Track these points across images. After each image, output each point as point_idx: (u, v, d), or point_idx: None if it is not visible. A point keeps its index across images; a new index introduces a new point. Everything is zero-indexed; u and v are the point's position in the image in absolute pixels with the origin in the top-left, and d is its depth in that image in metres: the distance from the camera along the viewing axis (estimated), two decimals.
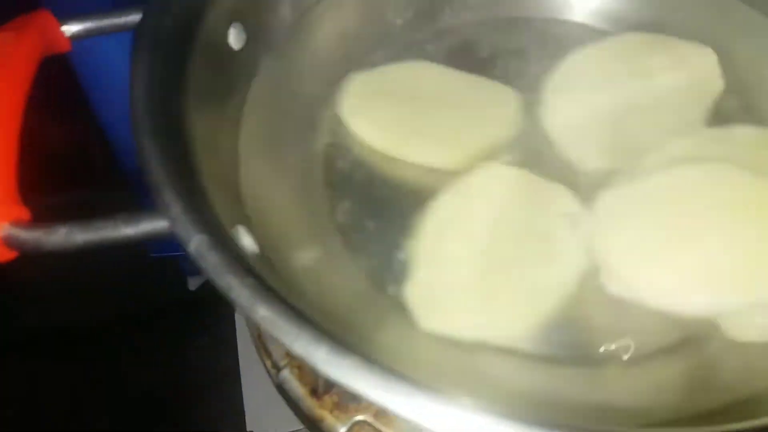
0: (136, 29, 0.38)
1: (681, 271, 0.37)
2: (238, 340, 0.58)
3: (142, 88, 0.36)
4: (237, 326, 0.59)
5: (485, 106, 0.46)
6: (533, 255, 0.39)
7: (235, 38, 0.44)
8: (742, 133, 0.42)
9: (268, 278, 0.34)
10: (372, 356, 0.27)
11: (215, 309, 0.56)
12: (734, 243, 0.37)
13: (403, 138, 0.45)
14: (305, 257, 0.41)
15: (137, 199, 0.35)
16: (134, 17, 0.41)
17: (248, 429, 0.53)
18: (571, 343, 0.38)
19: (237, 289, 0.29)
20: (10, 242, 0.33)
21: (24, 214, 0.34)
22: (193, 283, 0.86)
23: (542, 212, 0.41)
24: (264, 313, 0.28)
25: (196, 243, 0.30)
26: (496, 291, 0.38)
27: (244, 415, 0.54)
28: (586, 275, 0.39)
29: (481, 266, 0.39)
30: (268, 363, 0.43)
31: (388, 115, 0.45)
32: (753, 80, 0.46)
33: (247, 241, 0.36)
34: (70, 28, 0.41)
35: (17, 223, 0.33)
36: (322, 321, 0.32)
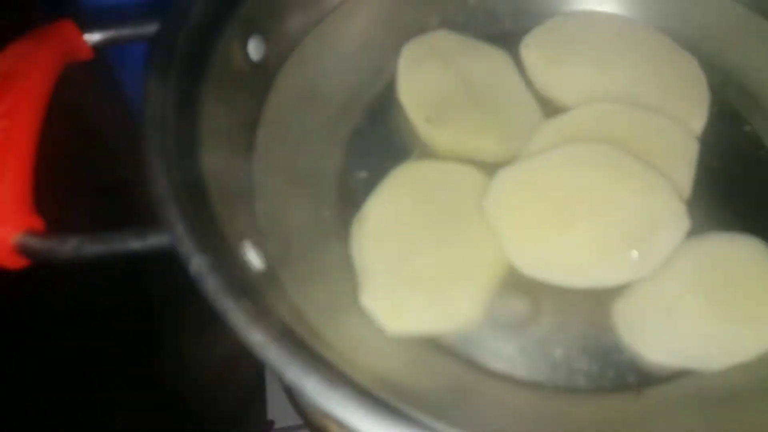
0: (151, 42, 0.39)
1: (575, 248, 0.40)
2: None
3: (155, 103, 0.36)
4: None
5: None
6: (464, 235, 0.41)
7: (255, 49, 0.44)
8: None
9: (272, 296, 0.34)
10: (364, 386, 0.28)
11: None
12: (617, 220, 0.40)
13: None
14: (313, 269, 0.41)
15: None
16: (155, 26, 0.41)
17: (269, 418, 0.53)
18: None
19: (232, 313, 0.29)
20: (23, 250, 0.34)
21: (37, 223, 0.35)
22: None
23: (459, 194, 0.42)
24: (257, 339, 0.29)
25: (196, 264, 0.31)
26: (441, 277, 0.39)
27: (266, 404, 0.54)
28: None
29: (419, 258, 0.40)
30: None
31: None
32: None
33: (253, 256, 0.37)
34: (92, 37, 0.42)
35: (30, 232, 0.34)
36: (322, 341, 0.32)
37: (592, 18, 0.51)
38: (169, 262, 0.32)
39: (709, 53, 0.48)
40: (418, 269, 0.39)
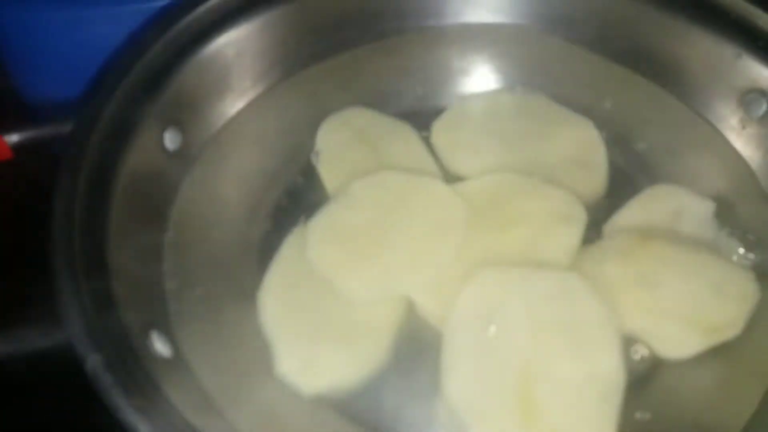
0: (64, 141, 0.41)
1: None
2: None
3: (64, 206, 0.38)
4: None
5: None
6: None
7: (171, 140, 0.47)
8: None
9: (176, 384, 0.35)
10: None
11: None
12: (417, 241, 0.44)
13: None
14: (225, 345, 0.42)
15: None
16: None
17: None
18: None
19: (123, 411, 0.31)
20: None
21: None
22: None
23: None
24: None
25: (92, 362, 0.32)
26: (346, 328, 0.42)
27: None
28: None
29: (323, 314, 0.43)
30: None
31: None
32: None
33: (160, 345, 0.38)
34: (11, 138, 0.44)
35: None
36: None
37: (494, 99, 0.54)
38: None
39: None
40: (323, 326, 0.42)
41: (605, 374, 0.39)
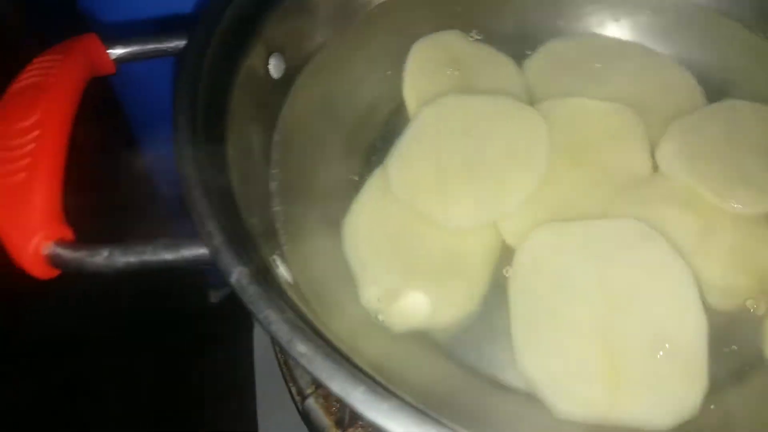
0: (179, 58, 0.39)
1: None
2: (255, 356, 0.59)
3: (185, 118, 0.36)
4: (255, 341, 0.60)
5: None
6: None
7: (275, 68, 0.45)
8: None
9: (303, 309, 0.35)
10: (409, 400, 0.28)
11: (234, 323, 0.57)
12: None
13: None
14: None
15: (176, 226, 0.35)
16: (178, 43, 0.42)
17: None
18: None
19: (276, 324, 0.30)
20: (53, 261, 0.34)
21: (68, 234, 0.34)
22: (214, 296, 0.87)
23: None
24: (302, 350, 0.29)
25: (237, 275, 0.31)
26: (435, 270, 0.41)
27: (258, 430, 0.54)
28: None
29: (412, 251, 0.42)
30: (294, 390, 0.44)
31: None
32: None
33: (282, 270, 0.37)
34: (116, 52, 0.42)
35: (61, 242, 0.34)
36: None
37: (593, 40, 0.53)
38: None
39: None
40: (412, 263, 0.41)
41: (688, 326, 0.38)
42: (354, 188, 0.45)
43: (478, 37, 0.52)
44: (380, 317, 0.40)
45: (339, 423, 0.42)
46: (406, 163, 0.44)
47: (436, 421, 0.27)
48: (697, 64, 0.51)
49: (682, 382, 0.37)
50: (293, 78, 0.47)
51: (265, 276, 0.32)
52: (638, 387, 0.36)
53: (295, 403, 0.44)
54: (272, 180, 0.43)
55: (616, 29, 0.54)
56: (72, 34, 0.42)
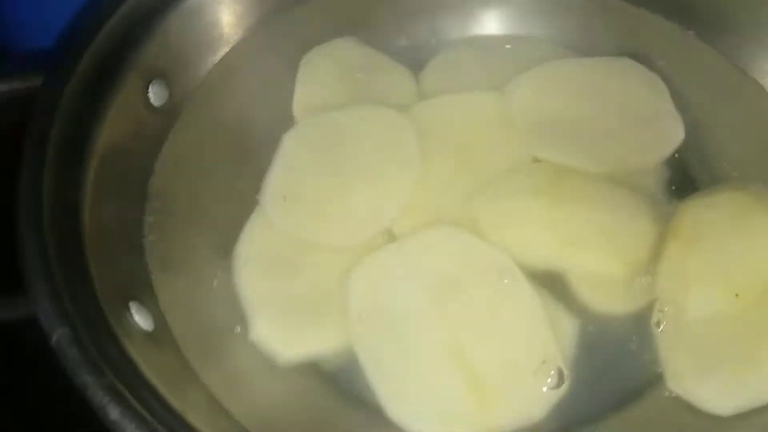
0: (36, 98, 0.37)
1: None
2: None
3: (31, 174, 0.34)
4: None
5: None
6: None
7: (156, 96, 0.43)
8: None
9: (153, 359, 0.32)
10: None
11: None
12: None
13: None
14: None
15: None
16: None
17: None
18: None
19: (92, 389, 0.28)
20: None
21: None
22: None
23: None
24: (115, 417, 0.27)
25: (58, 336, 0.29)
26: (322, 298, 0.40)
27: None
28: None
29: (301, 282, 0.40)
30: None
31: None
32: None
33: (140, 317, 0.35)
34: None
35: None
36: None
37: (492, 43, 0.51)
38: None
39: None
40: (300, 294, 0.39)
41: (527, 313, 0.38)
42: (246, 215, 0.42)
43: (375, 47, 0.49)
44: (270, 350, 0.38)
45: None
46: (280, 194, 0.42)
47: None
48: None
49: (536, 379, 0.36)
50: (180, 105, 0.44)
51: (96, 335, 0.30)
52: (502, 391, 0.36)
53: None
54: (148, 213, 0.40)
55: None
56: None
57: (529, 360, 0.37)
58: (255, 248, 0.41)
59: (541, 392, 0.36)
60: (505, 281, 0.38)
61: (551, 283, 0.40)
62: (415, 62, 0.48)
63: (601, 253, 0.40)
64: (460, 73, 0.47)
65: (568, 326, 0.38)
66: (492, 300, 0.38)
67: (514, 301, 0.38)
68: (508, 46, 0.50)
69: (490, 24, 0.51)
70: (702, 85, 0.47)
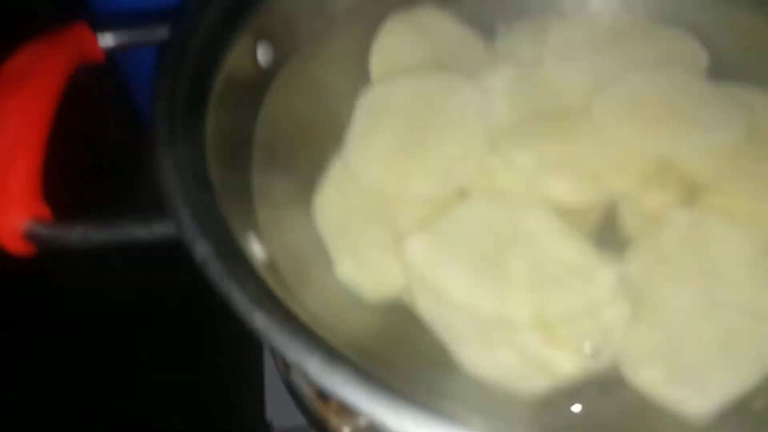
0: (162, 46, 0.40)
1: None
2: None
3: (164, 101, 0.37)
4: None
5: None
6: None
7: (263, 56, 0.46)
8: None
9: (274, 285, 0.35)
10: (364, 367, 0.28)
11: None
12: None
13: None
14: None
15: None
16: (165, 31, 0.42)
17: (268, 418, 0.53)
18: None
19: (236, 297, 0.30)
20: (30, 238, 0.35)
21: (45, 211, 0.35)
22: None
23: None
24: (260, 323, 0.29)
25: (201, 249, 0.31)
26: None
27: (264, 405, 0.54)
28: None
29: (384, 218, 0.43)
30: (278, 360, 0.44)
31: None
32: None
33: (256, 248, 0.37)
34: (105, 40, 0.43)
35: (38, 219, 0.35)
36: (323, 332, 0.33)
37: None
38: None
39: None
40: (380, 238, 0.42)
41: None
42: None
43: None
44: (357, 289, 0.40)
45: (320, 392, 0.42)
46: (362, 147, 0.45)
47: (387, 388, 0.27)
48: None
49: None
50: (281, 65, 0.47)
51: (231, 252, 0.32)
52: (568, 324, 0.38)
53: (280, 374, 0.44)
54: (255, 159, 0.43)
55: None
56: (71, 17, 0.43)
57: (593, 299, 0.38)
58: (335, 196, 0.44)
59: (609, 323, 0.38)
60: (548, 237, 0.40)
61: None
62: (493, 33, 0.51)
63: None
64: (532, 46, 0.50)
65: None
66: (543, 259, 0.40)
67: (564, 253, 0.40)
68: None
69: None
70: None
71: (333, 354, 0.28)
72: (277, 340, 0.28)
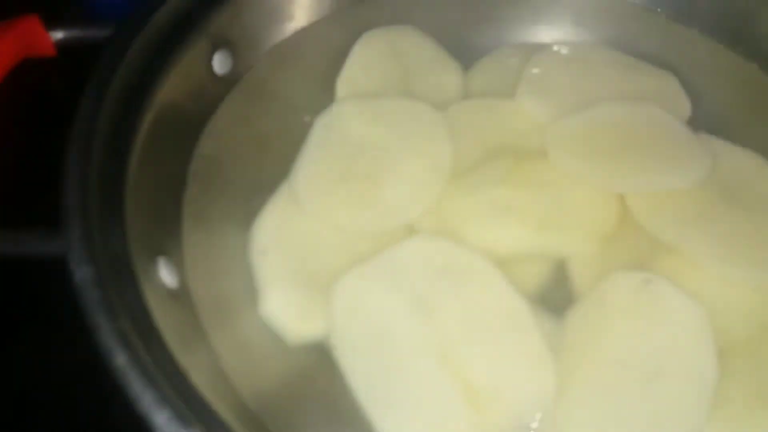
0: (103, 47, 0.38)
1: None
2: None
3: (87, 114, 0.35)
4: None
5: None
6: None
7: (219, 64, 0.44)
8: None
9: (169, 318, 0.33)
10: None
11: None
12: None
13: None
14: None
15: None
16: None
17: None
18: None
19: (103, 332, 0.28)
20: None
21: None
22: None
23: None
24: (120, 363, 0.27)
25: (81, 274, 0.29)
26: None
27: None
28: None
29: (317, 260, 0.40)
30: None
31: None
32: None
33: (164, 274, 0.35)
34: (56, 35, 0.42)
35: None
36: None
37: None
38: None
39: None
40: (317, 273, 0.38)
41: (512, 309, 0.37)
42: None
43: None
44: (279, 329, 0.37)
45: None
46: (311, 174, 0.42)
47: None
48: None
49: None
50: (240, 76, 0.45)
51: (118, 281, 0.30)
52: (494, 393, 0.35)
53: None
54: (191, 173, 0.41)
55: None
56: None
57: (521, 362, 0.36)
58: (274, 224, 0.41)
59: (536, 394, 0.35)
60: (485, 284, 0.38)
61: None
62: (470, 60, 0.48)
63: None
64: (508, 76, 0.47)
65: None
66: (477, 305, 0.37)
67: (498, 303, 0.37)
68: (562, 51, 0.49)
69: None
70: None
71: (182, 413, 0.26)
72: (129, 387, 0.26)
